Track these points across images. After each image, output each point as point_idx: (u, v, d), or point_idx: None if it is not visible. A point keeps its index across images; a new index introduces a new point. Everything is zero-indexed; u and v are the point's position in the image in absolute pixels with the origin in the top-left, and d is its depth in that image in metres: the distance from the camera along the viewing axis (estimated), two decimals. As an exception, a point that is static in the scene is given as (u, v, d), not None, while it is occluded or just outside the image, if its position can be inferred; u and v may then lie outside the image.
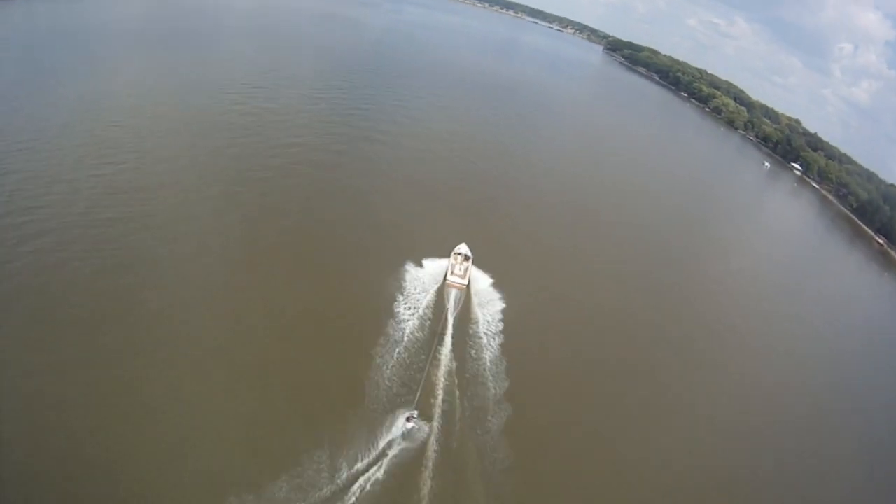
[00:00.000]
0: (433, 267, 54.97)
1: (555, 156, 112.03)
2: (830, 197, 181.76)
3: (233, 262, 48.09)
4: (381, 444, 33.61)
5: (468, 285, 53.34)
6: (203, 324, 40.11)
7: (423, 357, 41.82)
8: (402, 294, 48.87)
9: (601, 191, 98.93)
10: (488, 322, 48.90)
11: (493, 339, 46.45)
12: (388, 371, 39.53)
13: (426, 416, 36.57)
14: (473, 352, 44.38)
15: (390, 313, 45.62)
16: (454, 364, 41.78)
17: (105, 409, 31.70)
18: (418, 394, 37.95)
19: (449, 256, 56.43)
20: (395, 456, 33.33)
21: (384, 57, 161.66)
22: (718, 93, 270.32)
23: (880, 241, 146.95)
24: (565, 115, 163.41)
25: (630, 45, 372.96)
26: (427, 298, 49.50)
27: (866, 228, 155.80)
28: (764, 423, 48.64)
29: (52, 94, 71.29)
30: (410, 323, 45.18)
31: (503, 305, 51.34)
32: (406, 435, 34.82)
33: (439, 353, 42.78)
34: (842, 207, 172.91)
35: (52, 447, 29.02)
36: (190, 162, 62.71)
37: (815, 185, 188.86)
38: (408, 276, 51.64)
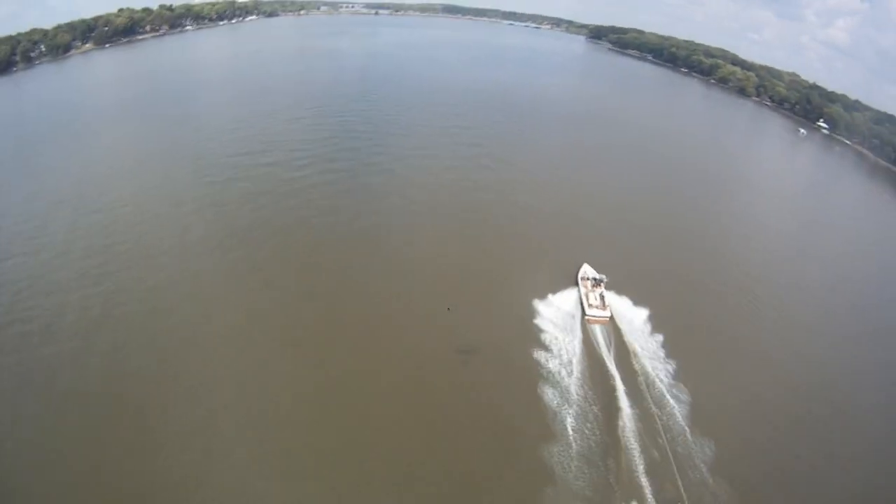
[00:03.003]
0: (561, 303, 46.74)
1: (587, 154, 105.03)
2: (865, 151, 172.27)
3: (325, 329, 44.63)
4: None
5: (611, 317, 44.81)
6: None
7: (600, 427, 35.03)
8: (538, 347, 41.55)
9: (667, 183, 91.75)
10: (653, 356, 41.22)
11: (669, 375, 39.45)
12: (572, 462, 32.86)
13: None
14: (656, 399, 37.61)
15: (534, 378, 38.59)
16: (641, 423, 35.49)
17: None
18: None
19: (576, 284, 48.52)
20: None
21: (373, 85, 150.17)
22: (721, 62, 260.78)
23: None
24: (581, 113, 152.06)
25: (614, 29, 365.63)
26: (572, 346, 41.80)
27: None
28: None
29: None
30: (563, 385, 37.88)
31: (661, 330, 43.62)
32: None
33: (618, 415, 35.99)
34: (879, 160, 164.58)
35: None
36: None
37: (848, 142, 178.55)
38: (537, 322, 44.34)
